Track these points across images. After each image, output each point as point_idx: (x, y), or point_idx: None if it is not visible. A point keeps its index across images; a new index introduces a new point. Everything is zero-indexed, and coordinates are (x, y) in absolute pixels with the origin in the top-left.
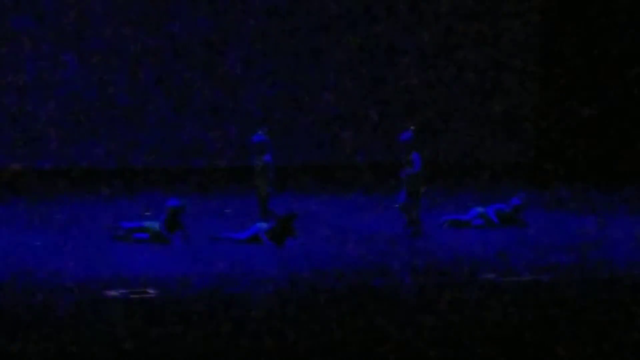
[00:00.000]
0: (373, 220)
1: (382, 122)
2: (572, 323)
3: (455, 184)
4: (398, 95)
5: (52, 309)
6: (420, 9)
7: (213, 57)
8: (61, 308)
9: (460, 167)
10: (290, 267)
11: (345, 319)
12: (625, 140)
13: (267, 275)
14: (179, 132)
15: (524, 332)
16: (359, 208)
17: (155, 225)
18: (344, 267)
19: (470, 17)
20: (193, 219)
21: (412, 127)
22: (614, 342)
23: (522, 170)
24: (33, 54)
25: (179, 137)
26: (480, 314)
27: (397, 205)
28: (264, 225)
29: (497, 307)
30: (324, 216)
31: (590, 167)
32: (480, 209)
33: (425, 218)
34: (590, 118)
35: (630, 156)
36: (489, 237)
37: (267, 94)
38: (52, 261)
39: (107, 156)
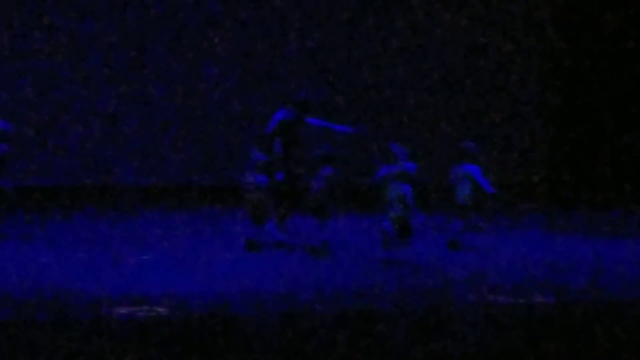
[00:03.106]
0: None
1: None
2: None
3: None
4: (404, 114)
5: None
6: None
7: None
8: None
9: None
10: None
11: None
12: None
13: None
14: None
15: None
16: None
17: None
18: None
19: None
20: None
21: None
22: None
23: (536, 190)
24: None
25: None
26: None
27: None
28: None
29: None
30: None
31: (607, 186)
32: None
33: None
34: (609, 135)
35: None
36: (476, 257)
37: None
38: (69, 279)
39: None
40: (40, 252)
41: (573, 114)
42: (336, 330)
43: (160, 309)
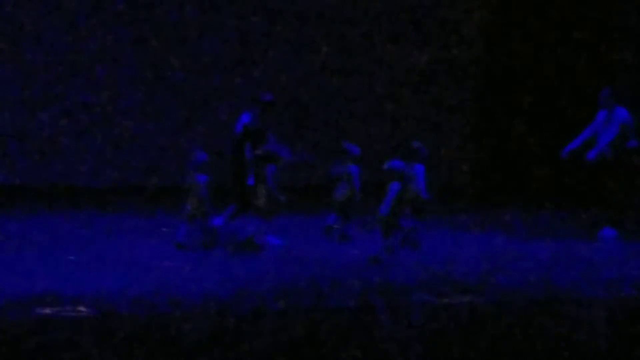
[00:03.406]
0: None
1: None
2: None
3: None
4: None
5: None
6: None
7: None
8: None
9: None
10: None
11: None
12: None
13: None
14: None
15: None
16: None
17: None
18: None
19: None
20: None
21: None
22: None
23: (458, 192)
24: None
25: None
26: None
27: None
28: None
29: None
30: None
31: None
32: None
33: None
34: (530, 137)
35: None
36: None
37: None
38: None
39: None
40: None
41: (498, 118)
42: (254, 330)
43: (82, 309)
